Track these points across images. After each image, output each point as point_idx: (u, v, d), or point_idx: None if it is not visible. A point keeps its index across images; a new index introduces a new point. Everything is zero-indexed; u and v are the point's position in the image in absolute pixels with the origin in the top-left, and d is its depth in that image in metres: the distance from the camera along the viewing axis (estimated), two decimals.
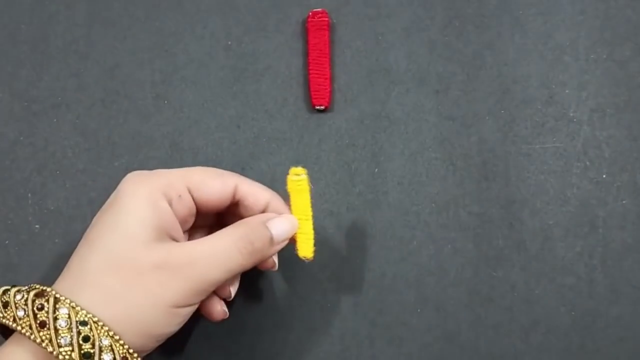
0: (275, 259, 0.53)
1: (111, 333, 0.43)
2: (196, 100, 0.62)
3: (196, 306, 0.48)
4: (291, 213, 0.52)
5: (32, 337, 0.42)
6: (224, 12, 0.64)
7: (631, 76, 0.61)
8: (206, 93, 0.62)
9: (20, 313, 0.43)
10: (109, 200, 0.49)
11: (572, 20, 0.62)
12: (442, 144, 0.61)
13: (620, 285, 0.58)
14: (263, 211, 0.51)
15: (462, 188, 0.60)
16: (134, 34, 0.63)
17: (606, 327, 0.57)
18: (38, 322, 0.43)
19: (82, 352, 0.42)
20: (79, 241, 0.48)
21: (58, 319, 0.42)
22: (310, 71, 0.61)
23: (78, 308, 0.43)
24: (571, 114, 0.61)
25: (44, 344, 0.42)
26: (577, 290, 0.58)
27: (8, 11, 0.64)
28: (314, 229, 0.52)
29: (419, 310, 0.58)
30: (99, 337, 0.43)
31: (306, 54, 0.62)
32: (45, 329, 0.42)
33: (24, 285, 0.46)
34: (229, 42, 0.63)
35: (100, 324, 0.43)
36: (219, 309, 0.52)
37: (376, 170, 0.60)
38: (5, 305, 0.44)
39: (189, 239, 0.53)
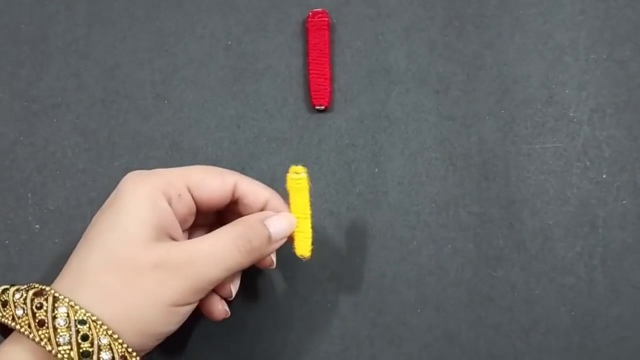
0: (274, 257, 0.53)
1: (110, 332, 0.43)
2: (196, 100, 0.62)
3: (195, 305, 0.48)
4: (290, 211, 0.52)
5: (31, 336, 0.42)
6: (224, 12, 0.64)
7: (631, 76, 0.61)
8: (206, 93, 0.62)
9: (19, 312, 0.43)
10: (108, 199, 0.49)
11: (572, 20, 0.62)
12: (442, 144, 0.61)
13: (620, 285, 0.58)
14: (262, 209, 0.51)
15: (462, 188, 0.60)
16: (134, 34, 0.64)
17: (606, 327, 0.57)
18: (37, 321, 0.42)
19: (81, 350, 0.42)
20: (79, 241, 0.48)
21: (57, 317, 0.42)
22: (310, 71, 0.61)
23: (77, 307, 0.43)
24: (571, 114, 0.61)
25: (42, 343, 0.42)
26: (577, 290, 0.58)
27: (8, 11, 0.64)
28: (312, 227, 0.52)
29: (419, 310, 0.58)
30: (97, 336, 0.43)
31: (306, 54, 0.62)
32: (44, 327, 0.42)
33: (23, 285, 0.46)
34: (229, 42, 0.63)
35: (99, 322, 0.43)
36: (220, 308, 0.52)
37: (376, 170, 0.60)
38: (4, 304, 0.44)
39: (189, 238, 0.53)
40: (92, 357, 0.42)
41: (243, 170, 0.60)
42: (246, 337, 0.58)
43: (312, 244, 0.52)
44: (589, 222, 0.59)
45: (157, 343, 0.47)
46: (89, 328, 0.43)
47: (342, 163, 0.61)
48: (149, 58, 0.63)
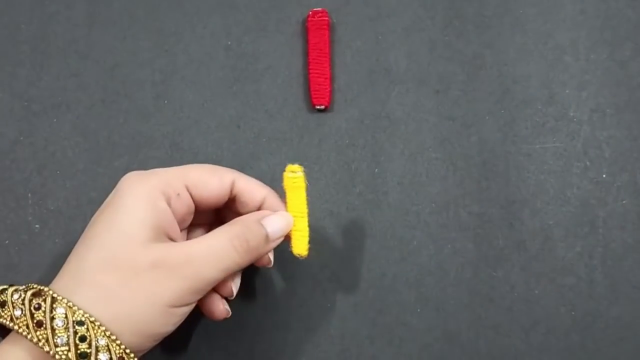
0: (271, 255, 0.53)
1: (108, 333, 0.43)
2: (196, 100, 0.62)
3: (193, 306, 0.48)
4: (287, 210, 0.52)
5: (29, 336, 0.42)
6: (224, 12, 0.64)
7: (631, 76, 0.61)
8: (206, 93, 0.62)
9: (17, 312, 0.43)
10: (107, 199, 0.49)
11: (572, 20, 0.62)
12: (442, 144, 0.61)
13: (620, 285, 0.58)
14: (259, 207, 0.52)
15: (462, 188, 0.60)
16: (134, 34, 0.64)
17: (606, 327, 0.57)
18: (35, 321, 0.43)
19: (79, 351, 0.42)
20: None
21: (55, 318, 0.42)
22: (310, 71, 0.61)
23: (75, 308, 0.43)
24: (571, 114, 0.61)
25: (40, 344, 0.42)
26: (577, 290, 0.58)
27: (8, 11, 0.64)
28: (309, 226, 0.52)
29: (419, 310, 0.58)
30: (95, 336, 0.43)
31: (306, 54, 0.62)
32: (42, 328, 0.42)
33: (22, 285, 0.46)
34: (229, 42, 0.63)
35: (97, 323, 0.43)
36: (221, 307, 0.53)
37: (376, 170, 0.60)
38: (3, 304, 0.44)
39: (187, 237, 0.54)
40: (89, 358, 0.42)
41: (243, 170, 0.59)
42: (246, 337, 0.58)
43: (311, 243, 0.52)
44: (589, 222, 0.59)
45: (154, 344, 0.47)
46: (87, 329, 0.43)
47: (342, 163, 0.61)
48: (149, 58, 0.63)
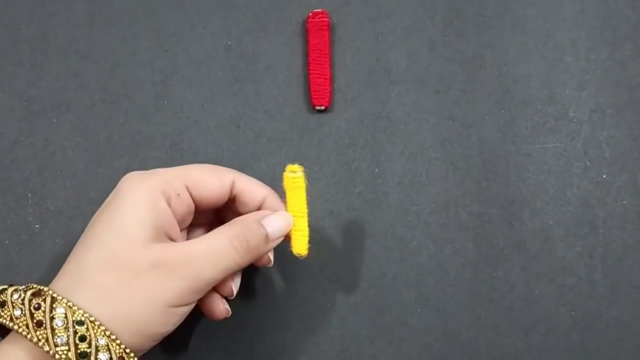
0: (271, 255, 0.53)
1: (108, 332, 0.43)
2: (196, 100, 0.62)
3: (192, 306, 0.48)
4: (286, 210, 0.52)
5: (29, 336, 0.42)
6: (224, 12, 0.64)
7: (631, 76, 0.61)
8: (206, 93, 0.62)
9: (17, 312, 0.43)
10: (107, 199, 0.49)
11: (572, 20, 0.62)
12: (442, 144, 0.61)
13: (620, 285, 0.58)
14: (259, 207, 0.52)
15: (462, 188, 0.60)
16: (134, 34, 0.64)
17: (606, 327, 0.57)
18: (35, 321, 0.43)
19: (79, 351, 0.42)
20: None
21: (55, 318, 0.42)
22: (310, 71, 0.61)
23: (75, 307, 0.43)
24: (571, 114, 0.61)
25: (40, 344, 0.42)
26: (577, 290, 0.58)
27: (8, 11, 0.64)
28: (309, 226, 0.52)
29: (419, 310, 0.58)
30: (95, 336, 0.43)
31: (306, 54, 0.62)
32: (42, 328, 0.42)
33: (22, 285, 0.46)
34: (229, 42, 0.63)
35: (97, 323, 0.43)
36: (221, 307, 0.53)
37: (376, 170, 0.60)
38: (2, 304, 0.44)
39: (187, 237, 0.54)
40: (89, 357, 0.42)
41: (243, 170, 0.59)
42: (246, 337, 0.58)
43: (311, 243, 0.52)
44: (589, 222, 0.59)
45: (154, 343, 0.47)
46: (87, 329, 0.43)
47: (342, 163, 0.61)
48: (149, 58, 0.63)
